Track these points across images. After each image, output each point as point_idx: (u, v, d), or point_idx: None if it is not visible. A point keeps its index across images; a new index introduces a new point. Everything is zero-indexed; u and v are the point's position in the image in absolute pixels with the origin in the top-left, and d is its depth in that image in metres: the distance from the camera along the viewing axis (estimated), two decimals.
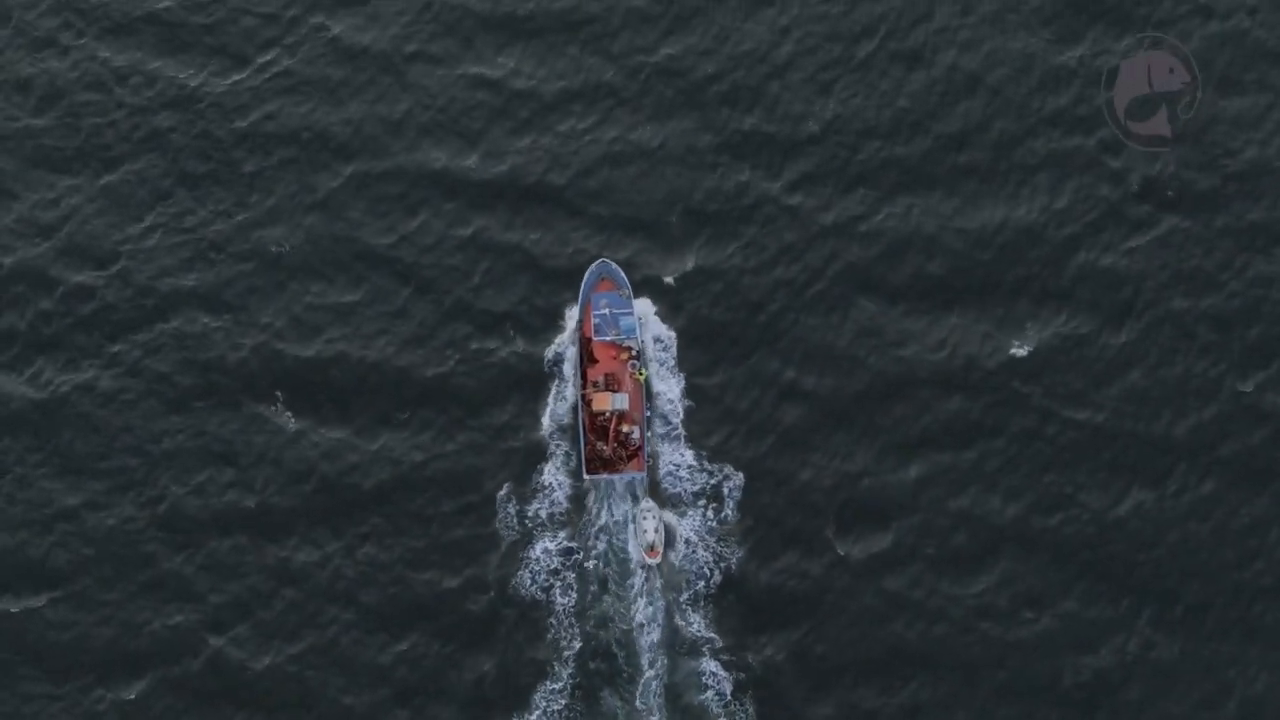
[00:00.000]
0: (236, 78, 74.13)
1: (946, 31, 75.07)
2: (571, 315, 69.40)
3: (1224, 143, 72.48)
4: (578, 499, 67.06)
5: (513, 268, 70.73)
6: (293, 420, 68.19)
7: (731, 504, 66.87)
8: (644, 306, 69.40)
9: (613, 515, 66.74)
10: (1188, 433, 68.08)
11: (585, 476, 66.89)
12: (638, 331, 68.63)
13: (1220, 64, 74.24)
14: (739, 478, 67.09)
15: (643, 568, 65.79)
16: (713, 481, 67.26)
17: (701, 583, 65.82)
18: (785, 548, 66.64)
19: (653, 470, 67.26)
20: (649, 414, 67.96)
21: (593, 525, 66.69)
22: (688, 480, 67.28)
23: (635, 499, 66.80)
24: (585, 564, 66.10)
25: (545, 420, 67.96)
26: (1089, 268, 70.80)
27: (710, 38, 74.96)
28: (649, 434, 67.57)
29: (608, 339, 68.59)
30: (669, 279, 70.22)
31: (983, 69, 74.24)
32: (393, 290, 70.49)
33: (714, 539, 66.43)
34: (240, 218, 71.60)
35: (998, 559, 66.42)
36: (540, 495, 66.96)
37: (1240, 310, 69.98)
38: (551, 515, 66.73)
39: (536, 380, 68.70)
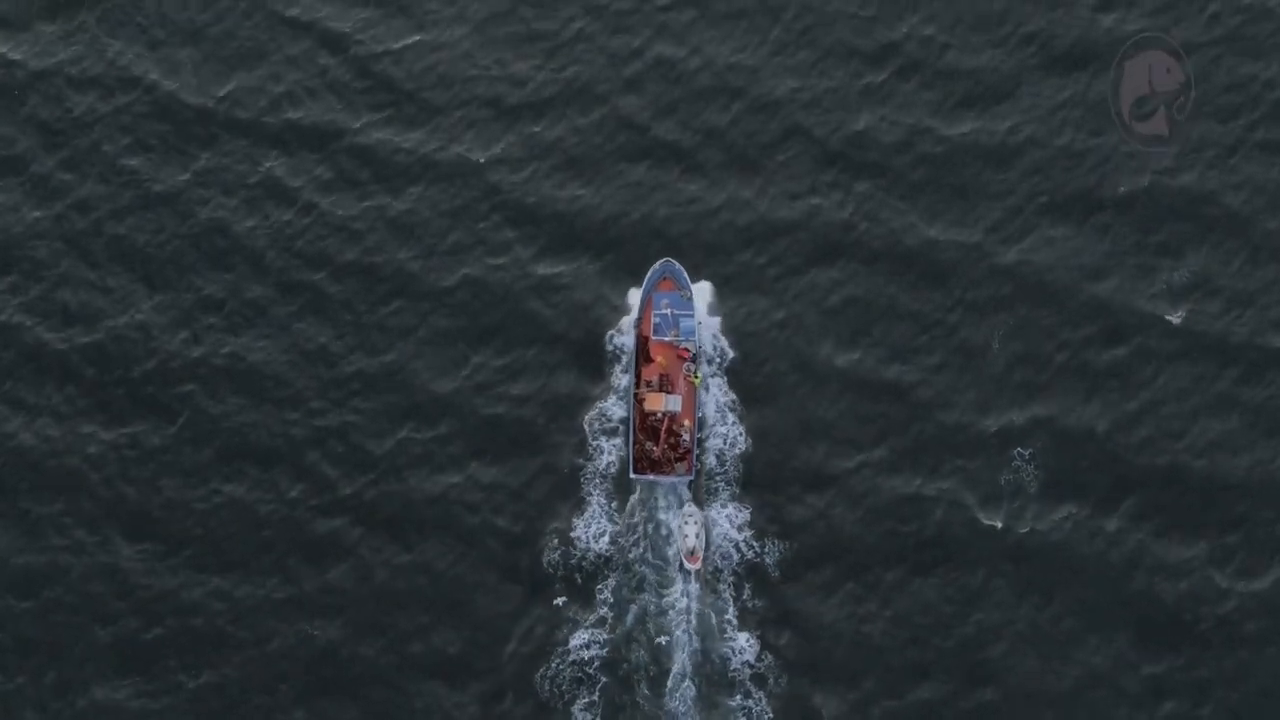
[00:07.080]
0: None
1: None
2: (631, 312, 68.76)
3: None
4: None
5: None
6: None
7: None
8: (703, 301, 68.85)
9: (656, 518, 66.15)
10: None
11: (631, 476, 66.09)
12: (697, 334, 67.96)
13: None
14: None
15: (682, 572, 64.97)
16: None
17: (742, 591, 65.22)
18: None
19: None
20: (700, 418, 67.21)
21: (634, 528, 66.04)
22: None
23: (679, 503, 66.15)
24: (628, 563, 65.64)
25: None
26: None
27: None
28: (699, 438, 66.81)
29: (666, 339, 67.93)
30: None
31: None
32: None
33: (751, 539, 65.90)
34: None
35: None
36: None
37: None
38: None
39: None
